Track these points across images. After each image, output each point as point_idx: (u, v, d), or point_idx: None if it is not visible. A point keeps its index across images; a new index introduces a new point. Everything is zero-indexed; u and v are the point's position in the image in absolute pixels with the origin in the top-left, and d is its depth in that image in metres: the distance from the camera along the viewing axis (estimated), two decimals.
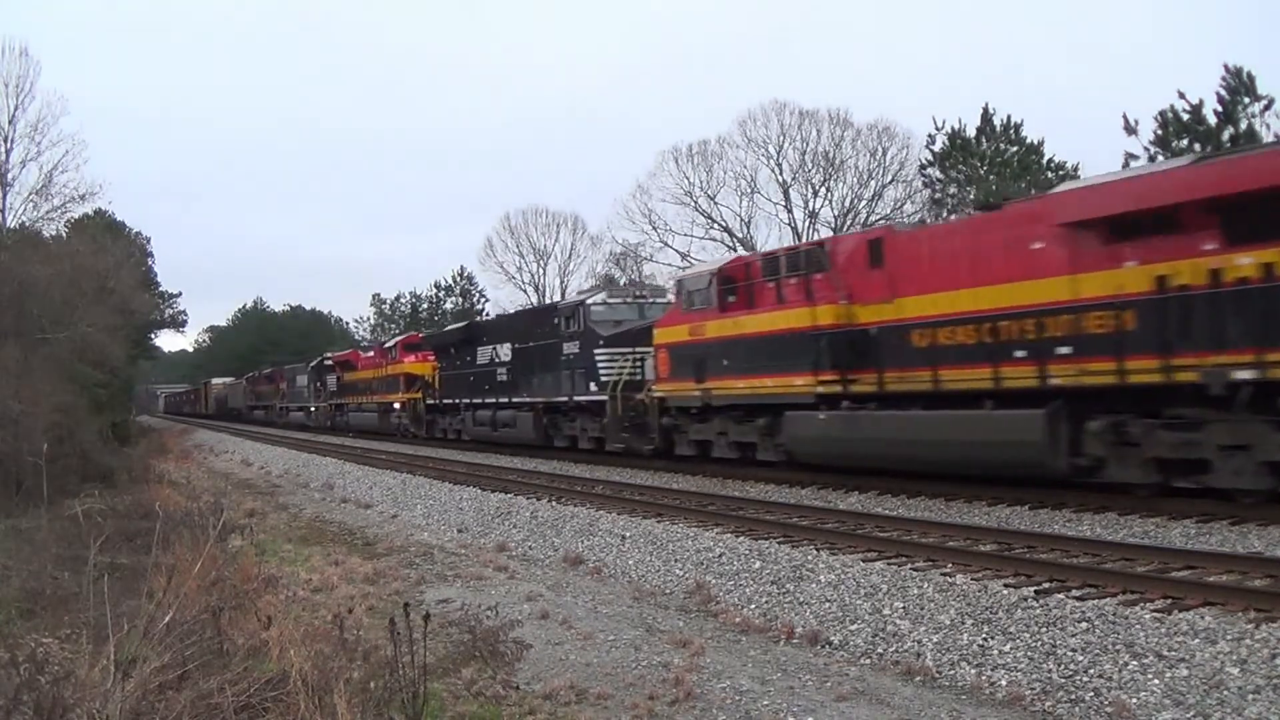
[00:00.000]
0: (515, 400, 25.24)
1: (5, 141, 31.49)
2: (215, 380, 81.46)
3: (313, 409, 49.08)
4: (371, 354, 40.68)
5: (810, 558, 9.85)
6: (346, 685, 5.36)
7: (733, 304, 16.92)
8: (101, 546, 8.44)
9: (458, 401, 29.71)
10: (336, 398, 44.82)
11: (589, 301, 22.68)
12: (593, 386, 21.30)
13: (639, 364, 20.37)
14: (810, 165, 45.59)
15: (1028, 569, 8.53)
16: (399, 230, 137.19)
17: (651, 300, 23.06)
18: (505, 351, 26.09)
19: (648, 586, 10.60)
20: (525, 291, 59.99)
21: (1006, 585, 8.07)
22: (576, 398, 22.08)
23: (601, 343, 21.30)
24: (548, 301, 46.98)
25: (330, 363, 46.46)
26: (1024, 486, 12.61)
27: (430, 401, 32.47)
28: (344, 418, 43.42)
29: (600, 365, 21.06)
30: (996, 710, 6.41)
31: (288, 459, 31.01)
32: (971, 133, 38.85)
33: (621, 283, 40.44)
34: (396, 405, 36.18)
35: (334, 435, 42.47)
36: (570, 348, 22.44)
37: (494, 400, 26.61)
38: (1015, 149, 38.35)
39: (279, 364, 62.12)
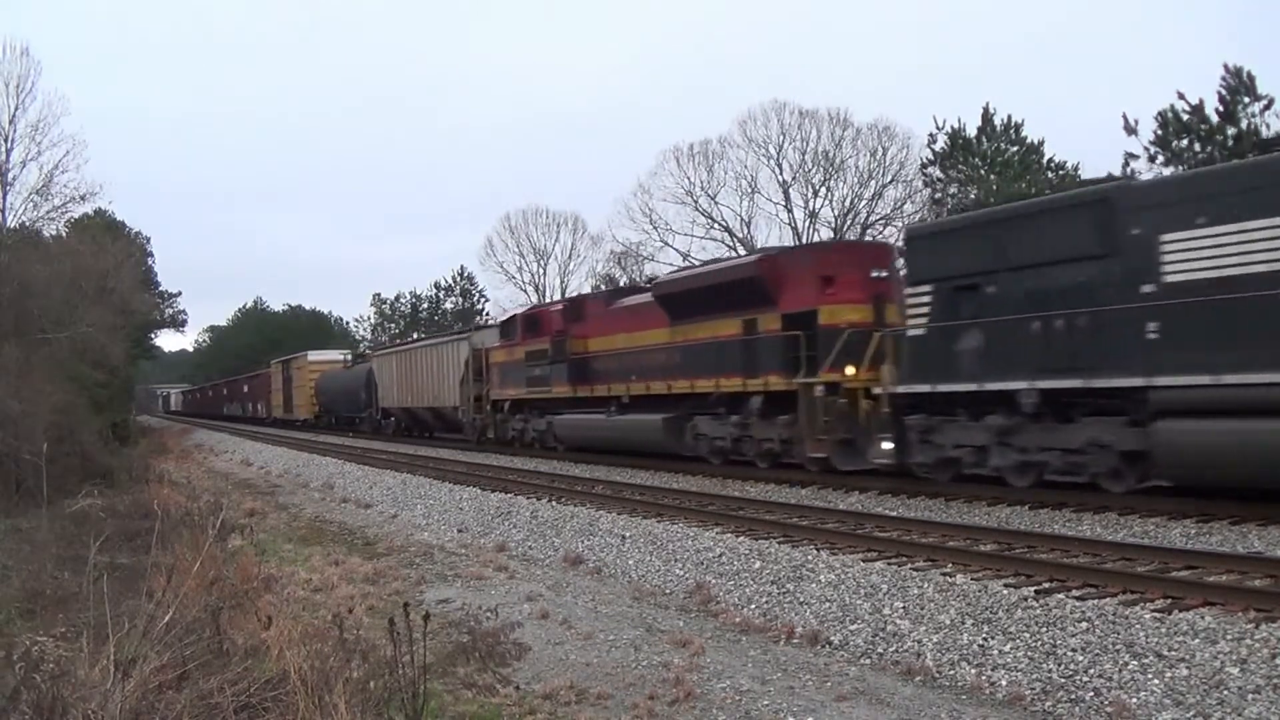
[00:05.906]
0: None
1: (6, 141, 31.44)
2: (314, 356, 47.44)
3: None
4: None
5: (810, 558, 9.85)
6: (346, 685, 5.35)
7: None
8: (101, 546, 8.46)
9: None
10: None
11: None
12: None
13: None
14: (810, 165, 45.63)
15: (1028, 569, 8.53)
16: (399, 230, 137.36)
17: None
18: None
19: (648, 586, 10.60)
20: (525, 291, 59.92)
21: (1006, 585, 8.07)
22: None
23: None
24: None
25: None
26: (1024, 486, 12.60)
27: None
28: None
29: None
30: (996, 710, 6.40)
31: (288, 459, 30.99)
32: (972, 132, 38.85)
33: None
34: None
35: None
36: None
37: None
38: (1016, 149, 38.35)
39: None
